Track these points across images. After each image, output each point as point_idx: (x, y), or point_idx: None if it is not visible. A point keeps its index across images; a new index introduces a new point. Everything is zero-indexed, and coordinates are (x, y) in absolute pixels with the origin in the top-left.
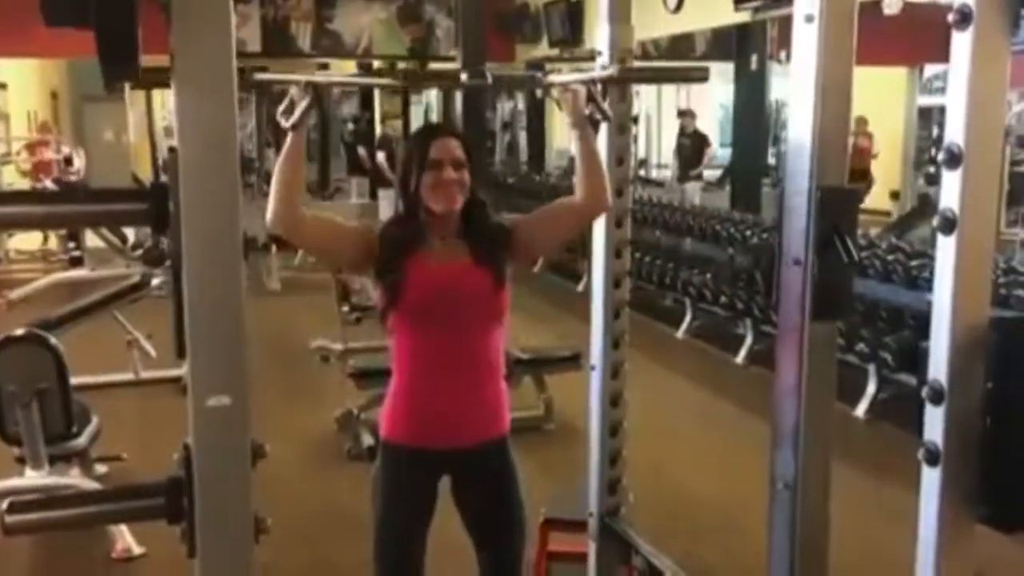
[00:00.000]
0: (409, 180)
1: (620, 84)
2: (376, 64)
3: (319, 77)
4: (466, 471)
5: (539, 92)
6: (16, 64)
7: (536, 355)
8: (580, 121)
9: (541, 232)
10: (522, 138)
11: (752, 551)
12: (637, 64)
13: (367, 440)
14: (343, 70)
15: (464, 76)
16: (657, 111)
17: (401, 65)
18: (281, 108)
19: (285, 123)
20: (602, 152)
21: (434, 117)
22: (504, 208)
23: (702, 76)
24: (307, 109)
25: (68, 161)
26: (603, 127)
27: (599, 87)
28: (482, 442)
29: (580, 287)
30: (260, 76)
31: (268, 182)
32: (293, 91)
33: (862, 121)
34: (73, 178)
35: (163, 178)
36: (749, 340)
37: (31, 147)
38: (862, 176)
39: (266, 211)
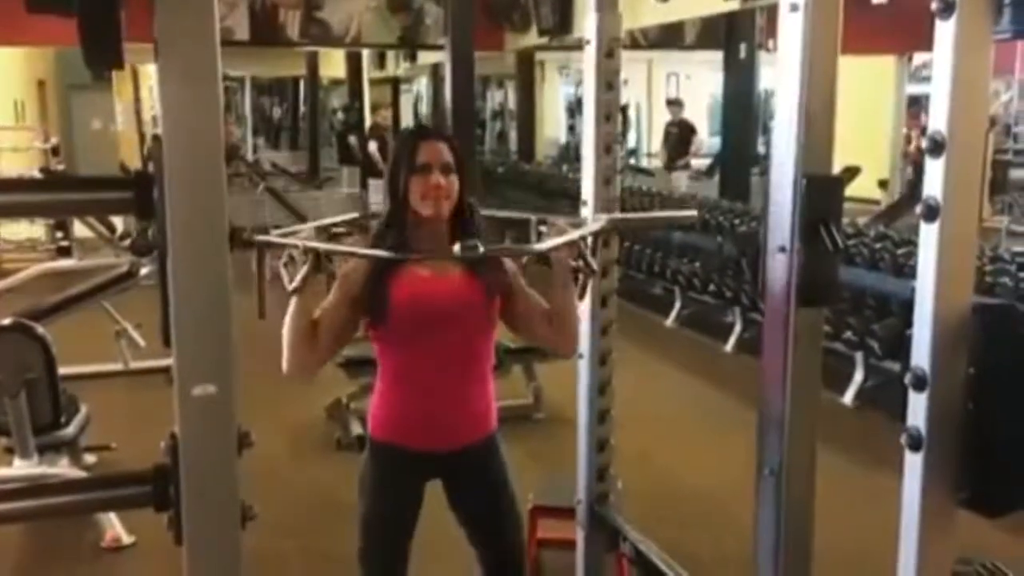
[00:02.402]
0: (397, 183)
1: (609, 235)
2: (365, 52)
3: (320, 245)
4: (455, 473)
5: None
6: (2, 52)
7: (526, 344)
8: (565, 278)
9: (519, 301)
10: (512, 128)
11: (739, 537)
12: (629, 215)
13: (356, 429)
14: (332, 57)
15: (457, 249)
16: (648, 100)
17: (390, 53)
18: (283, 260)
19: (288, 284)
20: (580, 307)
21: (424, 107)
22: (495, 198)
23: (691, 221)
24: (308, 274)
25: (55, 151)
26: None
27: (587, 242)
28: (469, 444)
29: None
30: (259, 238)
31: (259, 173)
32: (295, 253)
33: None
34: (61, 167)
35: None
36: (738, 328)
37: None
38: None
39: (282, 360)
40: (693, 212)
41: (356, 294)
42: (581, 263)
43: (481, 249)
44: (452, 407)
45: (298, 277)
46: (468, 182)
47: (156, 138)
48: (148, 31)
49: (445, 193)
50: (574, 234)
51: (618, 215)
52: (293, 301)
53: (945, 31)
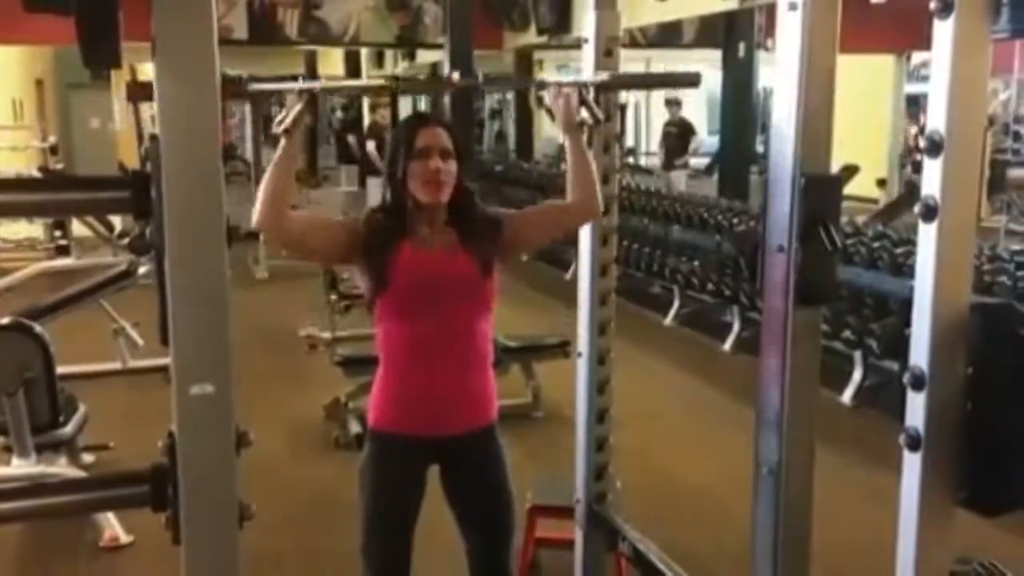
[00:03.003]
0: (396, 168)
1: (611, 90)
2: (363, 51)
3: (313, 84)
4: (454, 458)
5: (532, 99)
6: (0, 51)
7: (525, 343)
8: (571, 125)
9: (530, 230)
10: (510, 126)
11: (738, 536)
12: (629, 72)
13: (355, 428)
14: (331, 58)
15: (456, 76)
16: (646, 99)
17: (388, 52)
18: (278, 119)
19: (278, 128)
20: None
21: (423, 105)
22: (493, 197)
23: (693, 81)
24: (300, 114)
25: (54, 150)
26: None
27: (591, 91)
28: (470, 429)
29: (568, 275)
30: (255, 86)
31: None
32: (288, 98)
33: None
34: (59, 166)
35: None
36: (736, 327)
37: None
38: None
39: (253, 211)
40: (696, 71)
41: (356, 233)
42: (587, 114)
43: (480, 78)
44: (452, 383)
45: (289, 116)
46: (466, 168)
47: (153, 137)
48: (146, 30)
49: (444, 177)
50: (577, 78)
51: (619, 72)
52: (281, 145)
53: (943, 30)
